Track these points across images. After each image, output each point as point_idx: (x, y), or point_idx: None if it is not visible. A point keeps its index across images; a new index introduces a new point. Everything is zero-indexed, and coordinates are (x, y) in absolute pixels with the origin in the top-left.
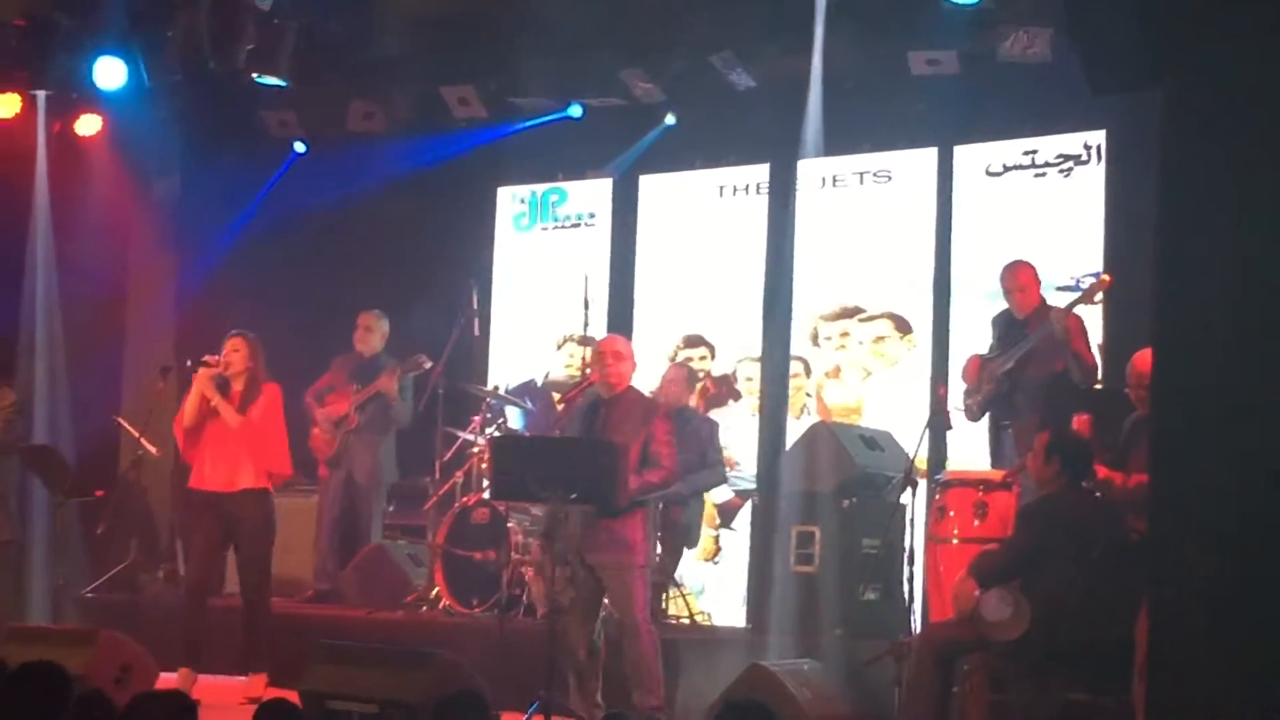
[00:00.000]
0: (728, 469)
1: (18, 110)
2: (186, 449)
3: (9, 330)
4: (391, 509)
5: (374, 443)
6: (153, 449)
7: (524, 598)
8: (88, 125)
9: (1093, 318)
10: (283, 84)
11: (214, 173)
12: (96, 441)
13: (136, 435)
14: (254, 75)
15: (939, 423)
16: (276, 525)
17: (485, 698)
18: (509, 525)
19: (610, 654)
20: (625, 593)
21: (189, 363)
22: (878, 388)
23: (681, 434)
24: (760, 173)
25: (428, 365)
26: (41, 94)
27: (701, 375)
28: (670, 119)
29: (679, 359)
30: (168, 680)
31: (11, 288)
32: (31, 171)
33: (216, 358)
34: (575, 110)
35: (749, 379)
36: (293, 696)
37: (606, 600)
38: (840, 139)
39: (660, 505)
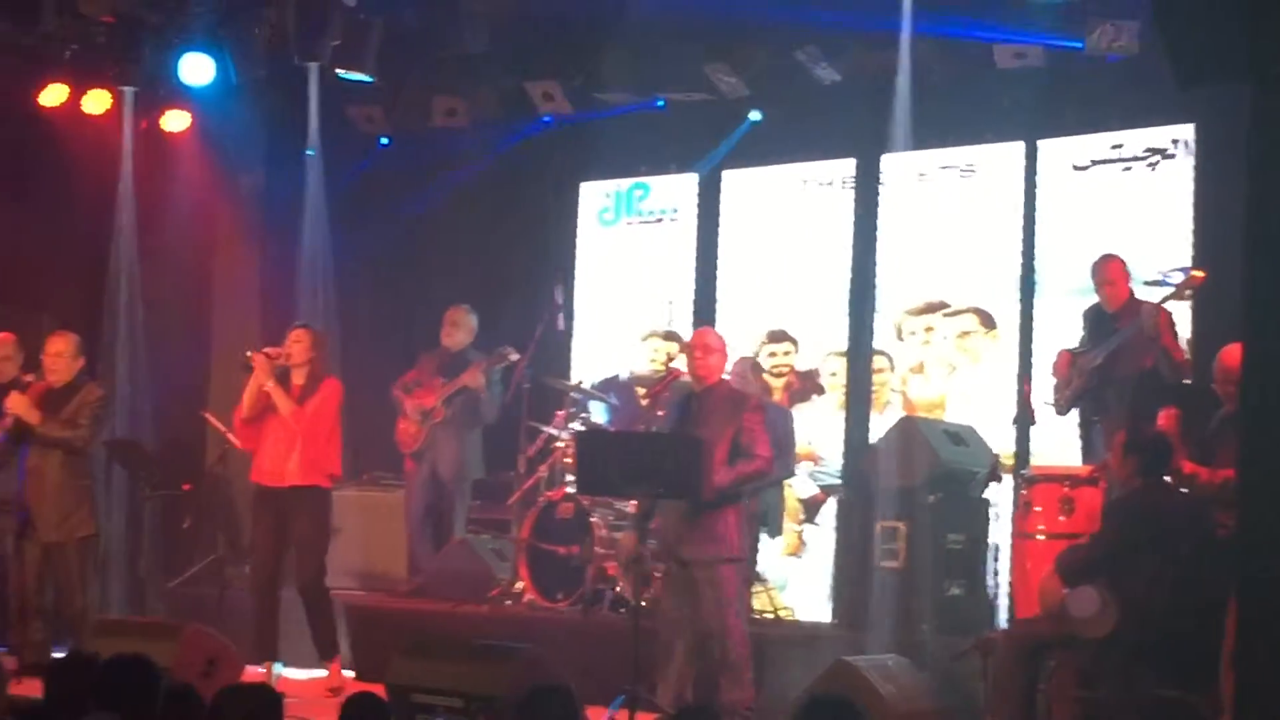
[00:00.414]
0: (811, 464)
1: (107, 107)
2: (246, 440)
3: (95, 326)
4: (476, 504)
5: (459, 437)
6: (238, 443)
7: (608, 593)
8: (175, 121)
9: (1180, 313)
10: (368, 80)
11: (299, 167)
12: (182, 436)
13: (223, 430)
14: (339, 71)
15: (1024, 418)
16: (331, 522)
17: (571, 691)
18: (593, 520)
19: (700, 649)
20: (716, 587)
21: (248, 353)
22: (962, 383)
23: None
24: (845, 167)
25: (514, 357)
26: (129, 90)
27: (786, 370)
28: (755, 114)
29: (763, 354)
30: (253, 674)
31: (97, 283)
32: (118, 168)
33: (279, 349)
34: (659, 103)
35: (833, 374)
36: (378, 690)
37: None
38: (925, 133)
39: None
